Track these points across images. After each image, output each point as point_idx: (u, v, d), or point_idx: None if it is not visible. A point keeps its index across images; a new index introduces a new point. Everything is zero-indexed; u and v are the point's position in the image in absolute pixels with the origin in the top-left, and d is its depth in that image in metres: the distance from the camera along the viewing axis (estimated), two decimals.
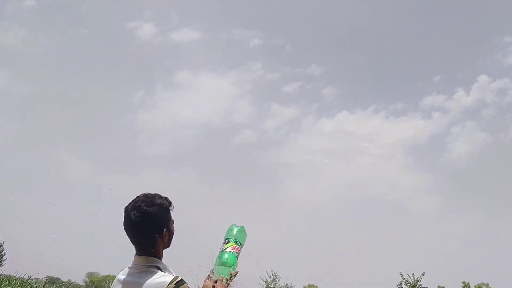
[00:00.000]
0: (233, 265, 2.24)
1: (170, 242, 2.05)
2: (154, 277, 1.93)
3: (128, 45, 46.47)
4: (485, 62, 43.87)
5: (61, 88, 44.95)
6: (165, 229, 1.99)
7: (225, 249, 2.27)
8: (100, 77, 46.87)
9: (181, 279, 1.96)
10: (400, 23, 44.97)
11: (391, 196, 47.64)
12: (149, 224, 1.96)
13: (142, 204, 1.97)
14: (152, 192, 2.14)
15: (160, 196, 2.07)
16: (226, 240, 2.31)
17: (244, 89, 47.70)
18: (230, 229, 2.35)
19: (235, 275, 2.22)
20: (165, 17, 45.18)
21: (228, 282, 2.18)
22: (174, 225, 2.11)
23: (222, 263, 2.23)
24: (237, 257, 2.26)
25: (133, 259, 2.03)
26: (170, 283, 1.91)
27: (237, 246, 2.29)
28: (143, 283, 1.92)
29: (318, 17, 45.62)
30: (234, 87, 48.59)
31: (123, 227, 2.02)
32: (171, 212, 2.07)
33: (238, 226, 2.36)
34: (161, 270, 1.98)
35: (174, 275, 1.99)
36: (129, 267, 2.03)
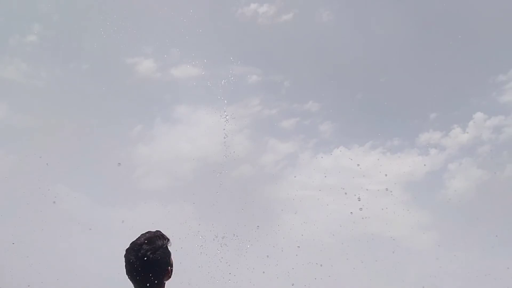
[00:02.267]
0: None
1: (172, 272, 2.08)
2: None
3: (128, 80, 47.07)
4: (480, 100, 44.56)
5: (59, 121, 45.17)
6: (169, 267, 2.02)
7: None
8: (99, 111, 47.17)
9: None
10: (396, 61, 45.83)
11: (388, 232, 47.24)
12: (155, 270, 1.99)
13: (148, 253, 1.99)
14: (148, 227, 2.17)
15: (160, 236, 2.12)
16: None
17: (242, 124, 47.95)
18: None
19: None
20: (165, 53, 45.89)
21: None
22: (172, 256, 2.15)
23: None
24: None
25: None
26: None
27: None
28: None
29: (315, 55, 46.47)
30: (232, 122, 48.73)
31: (125, 271, 2.04)
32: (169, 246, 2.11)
33: None
34: None
35: None
36: None
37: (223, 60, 47.82)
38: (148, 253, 1.81)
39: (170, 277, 1.85)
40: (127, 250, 1.96)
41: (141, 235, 2.01)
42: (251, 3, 45.33)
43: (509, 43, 42.80)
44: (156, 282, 1.79)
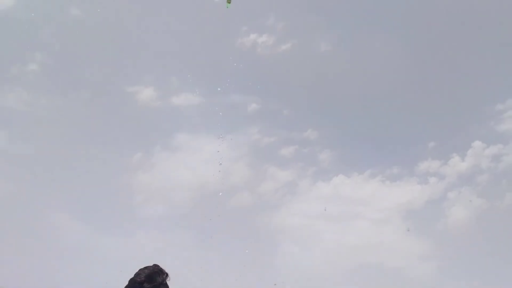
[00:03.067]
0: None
1: None
2: None
3: (128, 109, 47.34)
4: (479, 128, 44.83)
5: (59, 149, 45.21)
6: None
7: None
8: (99, 139, 47.23)
9: None
10: (395, 90, 46.16)
11: (388, 261, 46.84)
12: None
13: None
14: (147, 256, 2.20)
15: (159, 271, 2.15)
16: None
17: (241, 152, 48.05)
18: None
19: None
20: (166, 82, 46.31)
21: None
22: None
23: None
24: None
25: None
26: None
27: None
28: None
29: (314, 84, 46.82)
30: (231, 150, 48.83)
31: None
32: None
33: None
34: None
35: None
36: None
37: (223, 88, 48.21)
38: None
39: None
40: None
41: (140, 270, 2.02)
42: (250, 33, 46.00)
43: (506, 73, 43.27)
44: None
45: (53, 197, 43.36)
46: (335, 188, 48.95)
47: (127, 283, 2.02)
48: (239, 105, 50.09)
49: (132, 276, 1.94)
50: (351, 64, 47.06)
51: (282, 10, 47.12)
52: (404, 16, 46.70)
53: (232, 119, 51.47)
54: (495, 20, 45.06)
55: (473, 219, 44.53)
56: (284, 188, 50.28)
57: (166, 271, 2.10)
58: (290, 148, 48.99)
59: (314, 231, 48.69)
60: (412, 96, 45.95)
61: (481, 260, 46.26)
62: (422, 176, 46.43)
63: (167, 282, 2.11)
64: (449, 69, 45.41)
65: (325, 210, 48.81)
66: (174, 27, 46.86)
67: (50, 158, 44.50)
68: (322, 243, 48.39)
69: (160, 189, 48.71)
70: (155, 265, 2.13)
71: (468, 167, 43.34)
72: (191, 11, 48.28)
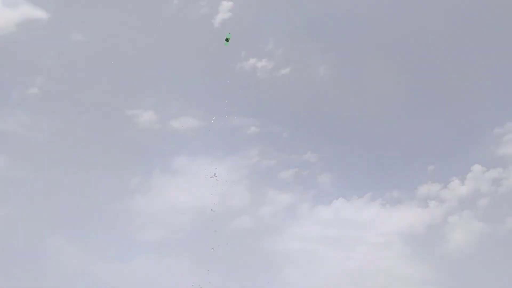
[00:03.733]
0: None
1: None
2: None
3: (128, 132, 47.26)
4: (478, 152, 44.79)
5: (58, 172, 45.00)
6: None
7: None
8: (98, 162, 46.96)
9: None
10: (393, 114, 46.20)
11: (388, 285, 46.20)
12: None
13: None
14: (145, 281, 2.12)
15: None
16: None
17: (241, 175, 47.87)
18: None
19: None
20: (166, 105, 46.37)
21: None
22: None
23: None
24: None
25: None
26: None
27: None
28: None
29: (313, 107, 46.88)
30: (231, 173, 48.59)
31: None
32: None
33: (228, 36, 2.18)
34: None
35: None
36: None
37: (223, 111, 48.35)
38: None
39: None
40: None
41: None
42: (250, 58, 46.32)
43: (504, 96, 43.37)
44: None
45: (50, 220, 42.98)
46: (335, 212, 48.65)
47: None
48: (238, 128, 50.20)
49: None
50: (349, 88, 47.24)
51: (281, 35, 47.56)
52: (403, 40, 47.08)
53: (232, 142, 51.39)
54: (493, 45, 45.41)
55: (474, 244, 44.14)
56: (284, 211, 49.81)
57: None
58: (290, 171, 48.80)
59: (314, 256, 48.07)
60: (411, 119, 45.94)
61: (483, 284, 45.65)
62: (422, 199, 46.15)
63: None
64: (448, 93, 45.55)
65: (324, 229, 48.58)
66: (174, 52, 47.16)
67: (49, 182, 44.25)
68: (323, 268, 47.68)
69: (158, 213, 48.04)
70: None
71: (468, 190, 43.18)
72: (191, 36, 48.68)
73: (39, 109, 43.14)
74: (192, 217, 49.63)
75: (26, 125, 44.75)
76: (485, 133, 44.08)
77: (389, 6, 46.66)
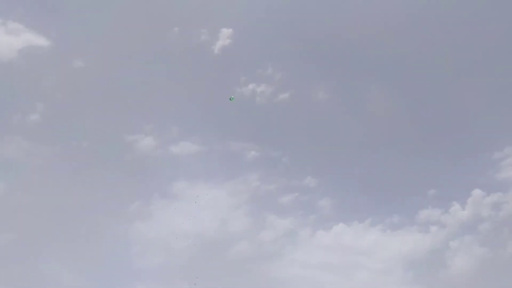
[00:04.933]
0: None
1: None
2: None
3: (128, 157, 47.31)
4: (478, 176, 44.71)
5: (57, 198, 44.86)
6: None
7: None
8: (98, 188, 46.88)
9: None
10: (393, 138, 46.24)
11: None
12: None
13: None
14: None
15: None
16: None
17: (240, 200, 47.71)
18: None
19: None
20: (166, 131, 46.50)
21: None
22: None
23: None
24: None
25: None
26: None
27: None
28: None
29: (312, 132, 46.98)
30: (230, 198, 48.50)
31: None
32: None
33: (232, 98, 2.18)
34: None
35: None
36: None
37: (222, 136, 48.50)
38: None
39: None
40: None
41: None
42: (249, 83, 46.68)
43: (503, 121, 43.49)
44: None
45: (48, 246, 42.64)
46: (336, 237, 48.25)
47: None
48: (238, 152, 50.18)
49: None
50: (349, 113, 47.39)
51: (280, 60, 48.00)
52: (403, 65, 47.48)
53: (231, 167, 51.33)
54: (492, 72, 45.81)
55: (476, 268, 43.68)
56: (284, 236, 49.41)
57: None
58: (290, 195, 48.60)
59: (315, 282, 47.49)
60: (410, 144, 45.97)
61: None
62: (423, 224, 45.84)
63: None
64: (447, 117, 45.71)
65: (325, 255, 48.10)
66: (174, 78, 47.54)
67: (48, 208, 44.06)
68: None
69: (157, 239, 47.69)
70: None
71: (469, 215, 42.95)
72: (191, 62, 49.15)
73: (40, 135, 43.23)
74: (192, 242, 49.17)
75: (26, 151, 44.77)
76: (485, 158, 44.07)
77: (389, 31, 47.15)
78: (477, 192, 43.11)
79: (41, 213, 43.51)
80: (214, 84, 47.62)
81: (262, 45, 48.04)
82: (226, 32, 46.13)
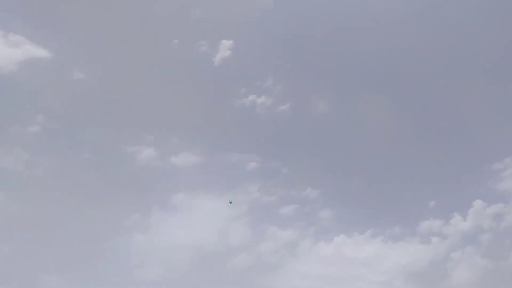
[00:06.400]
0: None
1: None
2: None
3: (128, 169, 47.30)
4: (479, 187, 44.66)
5: (56, 210, 44.78)
6: None
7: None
8: (97, 199, 46.85)
9: None
10: (393, 149, 46.19)
11: None
12: None
13: None
14: None
15: None
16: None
17: (240, 211, 47.57)
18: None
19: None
20: (166, 142, 46.46)
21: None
22: None
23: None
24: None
25: None
26: None
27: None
28: None
29: (312, 143, 46.97)
30: (230, 209, 48.36)
31: None
32: None
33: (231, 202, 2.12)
34: None
35: None
36: None
37: (222, 147, 48.46)
38: None
39: None
40: None
41: None
42: (249, 95, 46.74)
43: (503, 132, 43.47)
44: None
45: (47, 258, 42.39)
46: (337, 249, 47.98)
47: None
48: (238, 164, 50.16)
49: None
50: (349, 124, 47.41)
51: (280, 72, 48.18)
52: (402, 77, 47.62)
53: (231, 178, 51.28)
54: (492, 82, 45.92)
55: (477, 279, 43.38)
56: (284, 248, 49.14)
57: None
58: (290, 207, 48.43)
59: None
60: (411, 155, 45.89)
61: None
62: (424, 235, 45.62)
63: None
64: (447, 129, 45.71)
65: (325, 267, 47.73)
66: (174, 90, 47.68)
67: (47, 219, 43.92)
68: None
69: (157, 251, 47.47)
70: None
71: (470, 226, 42.81)
72: (191, 74, 49.32)
73: (39, 146, 43.20)
74: (192, 254, 48.90)
75: (26, 162, 44.73)
76: (485, 169, 44.02)
77: (389, 44, 47.39)
78: (478, 203, 42.96)
79: (40, 224, 43.35)
80: (214, 95, 47.68)
81: (262, 56, 48.22)
82: (226, 43, 46.31)
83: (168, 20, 48.57)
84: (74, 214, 45.95)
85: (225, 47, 46.46)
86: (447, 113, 46.13)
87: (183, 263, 47.78)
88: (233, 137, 48.05)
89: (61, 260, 43.64)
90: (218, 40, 46.34)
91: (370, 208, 48.97)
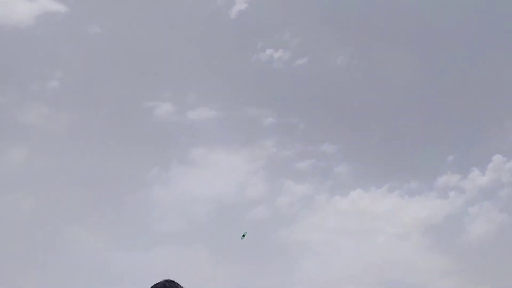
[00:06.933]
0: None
1: None
2: None
3: (146, 124, 47.78)
4: (499, 142, 44.19)
5: (77, 164, 45.79)
6: None
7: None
8: (117, 154, 47.73)
9: None
10: (412, 103, 45.73)
11: (407, 278, 46.06)
12: None
13: None
14: (164, 272, 2.12)
15: (175, 285, 2.08)
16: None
17: (257, 166, 48.00)
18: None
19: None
20: (183, 97, 46.45)
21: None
22: None
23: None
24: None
25: None
26: None
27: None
28: None
29: (330, 97, 46.58)
30: (248, 164, 48.87)
31: None
32: None
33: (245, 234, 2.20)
34: None
35: None
36: None
37: (239, 102, 48.40)
38: None
39: None
40: None
41: (153, 286, 1.94)
42: (266, 49, 46.06)
43: None
44: None
45: (70, 212, 43.74)
46: (353, 203, 48.47)
47: None
48: (255, 118, 50.14)
49: None
50: (367, 77, 46.80)
51: (297, 25, 47.24)
52: (423, 29, 46.45)
53: (248, 133, 51.50)
54: None
55: (494, 234, 43.65)
56: (300, 202, 49.75)
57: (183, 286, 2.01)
58: (307, 161, 48.59)
59: (332, 247, 48.08)
60: (430, 109, 45.39)
61: (503, 275, 45.14)
62: (442, 190, 45.61)
63: None
64: (468, 81, 44.88)
65: (342, 220, 48.35)
66: (191, 44, 47.29)
67: (69, 173, 44.96)
68: (340, 259, 47.72)
69: (177, 204, 48.55)
70: (167, 280, 2.05)
71: (488, 181, 42.61)
72: (208, 28, 48.73)
73: (59, 101, 43.68)
74: (211, 208, 49.92)
75: (46, 118, 45.37)
76: (506, 123, 43.44)
77: None
78: (497, 157, 42.60)
79: (62, 178, 44.40)
80: (231, 49, 47.15)
81: (279, 9, 47.27)
82: None
83: None
84: (95, 168, 46.82)
85: (242, 0, 45.56)
86: (469, 66, 45.15)
87: (202, 216, 48.78)
88: (250, 92, 47.78)
89: (84, 213, 44.90)
90: None
91: (387, 163, 48.87)
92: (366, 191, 49.26)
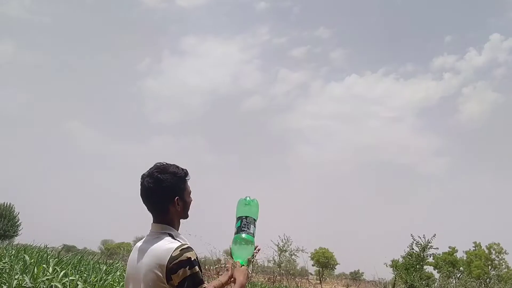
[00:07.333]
0: (251, 242, 2.17)
1: (187, 212, 2.05)
2: (163, 242, 1.96)
3: (133, 13, 46.15)
4: (498, 20, 43.04)
5: (67, 57, 44.99)
6: (177, 197, 1.98)
7: (240, 230, 2.21)
8: (106, 45, 46.68)
9: (188, 246, 1.97)
10: None
11: (401, 158, 47.63)
12: (160, 191, 1.97)
13: (155, 171, 1.98)
14: (167, 160, 2.12)
15: (176, 166, 2.06)
16: (239, 219, 2.24)
17: (251, 54, 47.21)
18: (242, 205, 2.26)
19: (257, 251, 2.19)
20: None
21: (251, 260, 2.16)
22: (191, 195, 2.09)
23: (239, 243, 2.17)
24: (253, 235, 2.21)
25: (150, 227, 2.05)
26: (175, 249, 1.92)
27: (251, 224, 2.22)
28: (152, 248, 1.95)
29: None
30: (241, 53, 48.18)
31: (140, 195, 2.03)
32: (187, 182, 2.04)
33: (248, 200, 2.26)
34: (172, 237, 2.00)
35: (183, 242, 2.01)
36: (147, 235, 2.07)
37: None
38: (156, 171, 1.79)
39: (182, 214, 1.79)
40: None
41: (161, 165, 1.97)
42: None
43: None
44: (161, 206, 1.76)
45: (64, 105, 43.65)
46: (348, 88, 48.40)
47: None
48: (247, 3, 48.12)
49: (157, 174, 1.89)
50: None
51: None
52: None
53: (241, 20, 49.84)
54: None
55: (487, 114, 44.22)
56: (296, 89, 49.66)
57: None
58: (302, 48, 47.51)
59: (327, 132, 48.96)
60: None
61: (496, 153, 46.61)
62: (437, 72, 45.34)
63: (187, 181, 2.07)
64: None
65: (337, 105, 48.60)
66: None
67: (59, 66, 44.11)
68: (335, 143, 48.95)
69: (171, 95, 48.63)
70: (158, 162, 2.06)
71: (485, 60, 42.26)
72: None
73: None
74: (206, 98, 49.97)
75: (29, 9, 43.45)
76: (505, 1, 42.19)
77: None
78: (495, 36, 41.84)
79: (54, 73, 43.68)
80: None
81: None
82: None
83: None
84: (85, 61, 45.81)
85: None
86: None
87: (197, 106, 48.97)
88: None
89: (79, 106, 44.81)
90: None
91: (383, 46, 48.00)
92: (361, 76, 48.79)
